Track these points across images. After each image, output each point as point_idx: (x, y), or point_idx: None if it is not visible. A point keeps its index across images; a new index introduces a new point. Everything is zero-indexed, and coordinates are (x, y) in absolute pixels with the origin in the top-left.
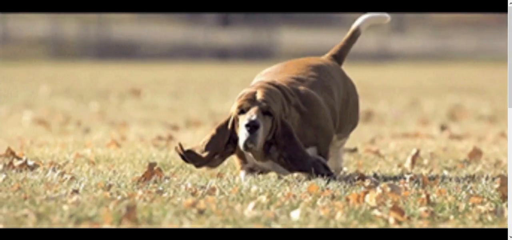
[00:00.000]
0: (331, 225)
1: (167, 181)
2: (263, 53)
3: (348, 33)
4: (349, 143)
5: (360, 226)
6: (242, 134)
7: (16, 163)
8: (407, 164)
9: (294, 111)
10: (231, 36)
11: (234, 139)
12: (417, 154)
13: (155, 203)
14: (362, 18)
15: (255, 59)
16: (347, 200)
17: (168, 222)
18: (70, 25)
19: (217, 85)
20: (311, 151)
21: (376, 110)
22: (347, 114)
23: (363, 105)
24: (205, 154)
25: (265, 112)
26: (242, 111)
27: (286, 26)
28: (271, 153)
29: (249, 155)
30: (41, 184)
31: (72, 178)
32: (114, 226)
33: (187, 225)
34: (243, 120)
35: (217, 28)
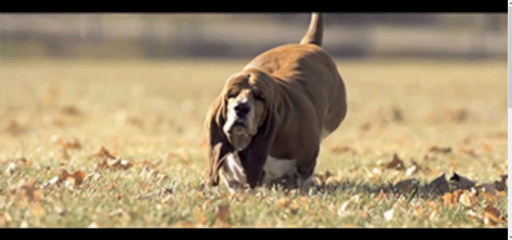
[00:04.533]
0: (425, 226)
1: None
2: (357, 52)
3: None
4: (443, 143)
5: (454, 227)
6: (231, 117)
7: (110, 162)
8: (503, 164)
9: (283, 109)
10: (324, 35)
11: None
12: None
13: (248, 203)
14: None
15: (348, 58)
16: (441, 200)
17: (261, 221)
18: (163, 24)
19: None
20: (288, 164)
21: (471, 110)
22: (336, 107)
23: (457, 105)
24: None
25: (257, 96)
26: (231, 95)
27: (379, 25)
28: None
29: (231, 168)
30: (134, 184)
31: (165, 177)
32: (207, 226)
33: (280, 225)
34: (233, 103)
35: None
